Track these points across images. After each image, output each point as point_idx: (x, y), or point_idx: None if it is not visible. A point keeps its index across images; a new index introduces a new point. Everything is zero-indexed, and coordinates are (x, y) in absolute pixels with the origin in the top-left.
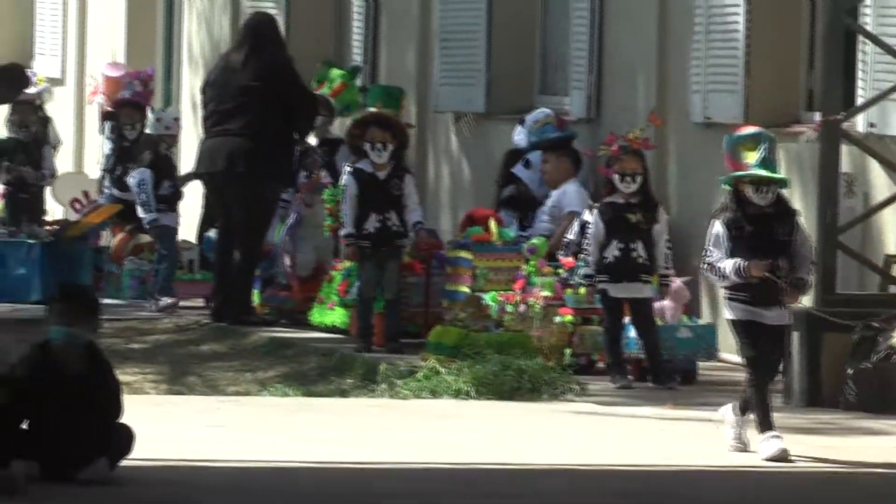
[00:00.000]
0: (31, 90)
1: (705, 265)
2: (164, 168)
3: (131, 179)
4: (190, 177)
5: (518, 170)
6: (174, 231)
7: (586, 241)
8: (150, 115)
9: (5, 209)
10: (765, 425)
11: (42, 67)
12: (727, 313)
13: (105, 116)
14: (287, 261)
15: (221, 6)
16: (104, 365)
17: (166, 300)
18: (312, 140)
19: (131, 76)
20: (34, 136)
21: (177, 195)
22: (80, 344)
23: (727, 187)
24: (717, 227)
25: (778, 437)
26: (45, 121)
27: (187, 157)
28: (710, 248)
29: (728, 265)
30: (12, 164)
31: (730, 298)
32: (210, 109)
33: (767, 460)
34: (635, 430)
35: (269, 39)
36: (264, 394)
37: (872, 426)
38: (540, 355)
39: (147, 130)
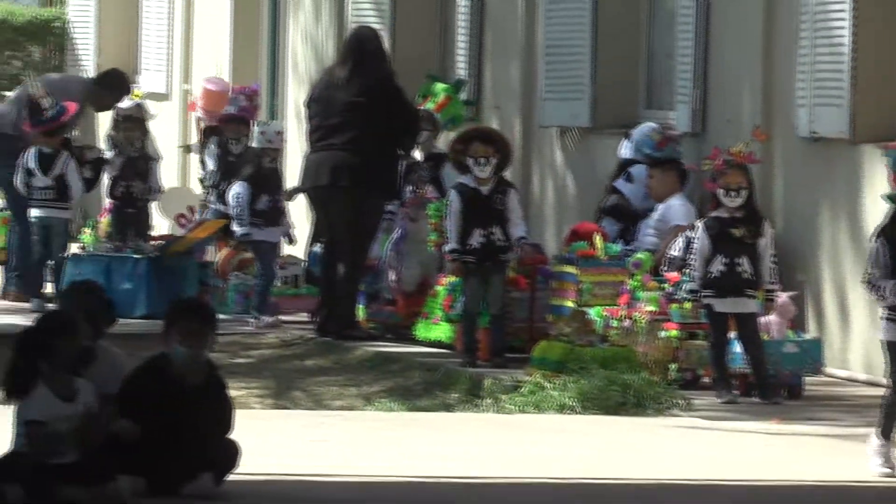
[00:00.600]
0: (127, 104)
1: (865, 283)
2: (263, 182)
3: (229, 193)
4: (296, 191)
5: (619, 183)
6: (271, 246)
7: (691, 255)
8: (254, 129)
9: (112, 224)
10: None
11: (147, 83)
12: (882, 333)
13: (206, 131)
14: (392, 276)
15: (326, 21)
16: (219, 381)
17: (266, 319)
18: (418, 155)
19: (237, 91)
20: (141, 152)
21: (275, 210)
22: (201, 360)
23: (891, 204)
24: (878, 245)
25: None
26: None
27: (292, 171)
28: (871, 265)
29: (889, 285)
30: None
31: (888, 318)
32: (315, 124)
33: None
34: (741, 445)
35: (373, 54)
36: (369, 408)
37: None
38: (645, 370)
39: (252, 144)
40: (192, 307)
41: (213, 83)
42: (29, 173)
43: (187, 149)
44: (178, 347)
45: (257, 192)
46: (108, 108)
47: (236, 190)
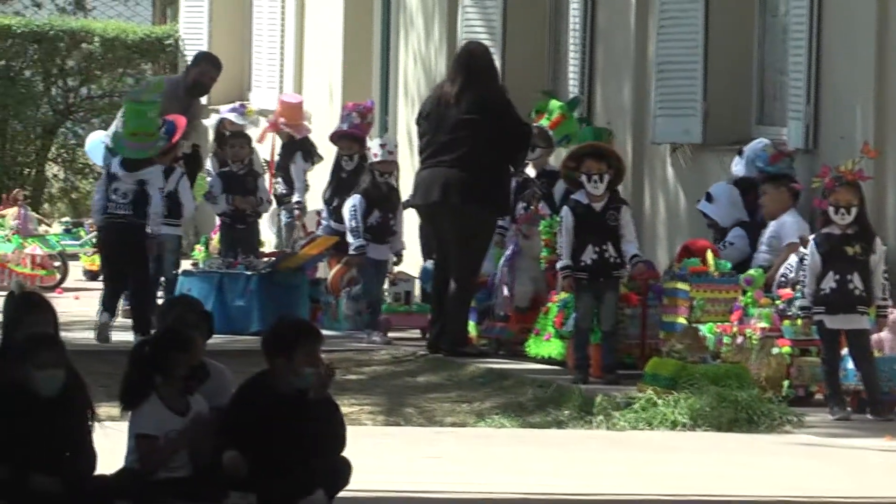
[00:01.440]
0: (240, 121)
1: None
2: (376, 198)
3: (344, 208)
4: (405, 205)
5: (702, 205)
6: (373, 263)
7: (802, 272)
8: (373, 142)
9: (221, 241)
10: None
11: (259, 100)
12: None
13: (286, 147)
14: (504, 292)
15: (437, 39)
16: (330, 398)
17: (377, 336)
18: (531, 171)
19: (350, 108)
20: (248, 168)
21: (385, 227)
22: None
23: None
24: None
25: None
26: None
27: (403, 188)
28: None
29: None
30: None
31: None
32: (425, 141)
33: None
34: (854, 461)
35: (483, 70)
36: (481, 425)
37: None
38: (757, 387)
39: (375, 157)
40: (309, 328)
41: (291, 97)
42: None
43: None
44: (306, 370)
45: (370, 208)
46: (205, 91)
47: (351, 203)
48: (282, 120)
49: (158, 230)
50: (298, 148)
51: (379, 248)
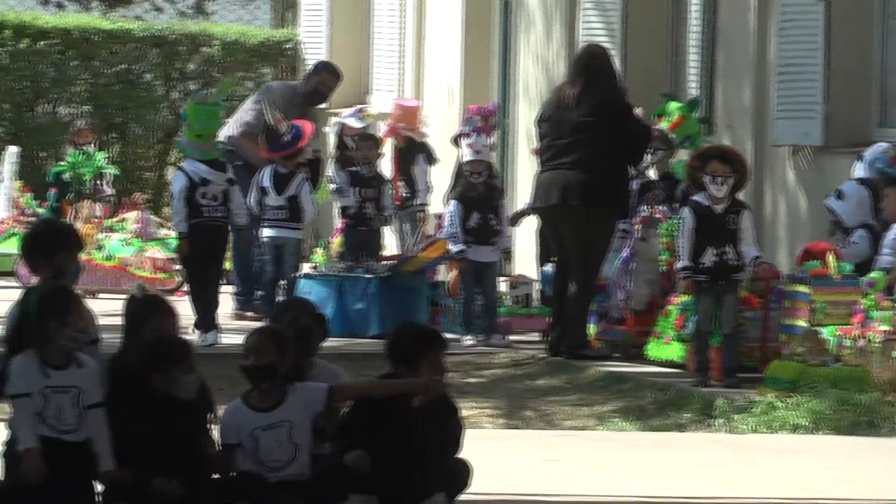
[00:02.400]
0: (359, 124)
1: None
2: (474, 199)
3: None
4: (523, 213)
5: (830, 200)
6: (482, 266)
7: None
8: (463, 142)
9: (344, 244)
10: None
11: (378, 103)
12: None
13: (404, 151)
14: (621, 295)
15: (557, 41)
16: (450, 403)
17: (469, 339)
18: (652, 174)
19: (473, 111)
20: (374, 172)
21: (486, 228)
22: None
23: None
24: None
25: None
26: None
27: (522, 191)
28: None
29: None
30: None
31: None
32: (545, 144)
33: None
34: None
35: (603, 72)
36: (601, 428)
37: None
38: (879, 390)
39: (466, 158)
40: (434, 336)
41: (408, 101)
42: (263, 192)
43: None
44: (433, 378)
45: (468, 210)
46: (323, 100)
47: (449, 208)
48: (400, 124)
49: (243, 223)
50: (419, 151)
51: (482, 250)
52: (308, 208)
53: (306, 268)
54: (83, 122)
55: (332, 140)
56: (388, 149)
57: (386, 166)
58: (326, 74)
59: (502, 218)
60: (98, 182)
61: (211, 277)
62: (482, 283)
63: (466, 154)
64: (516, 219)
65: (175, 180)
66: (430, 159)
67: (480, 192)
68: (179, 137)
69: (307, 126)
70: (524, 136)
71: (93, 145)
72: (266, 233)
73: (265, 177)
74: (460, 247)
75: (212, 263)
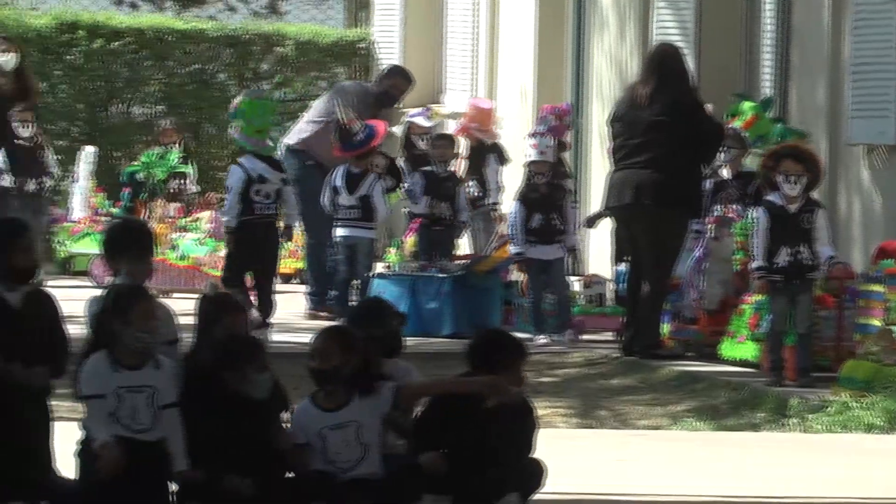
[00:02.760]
0: (427, 123)
1: None
2: (535, 200)
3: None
4: (598, 216)
5: None
6: (545, 265)
7: None
8: (528, 141)
9: (417, 243)
10: None
11: (451, 102)
12: None
13: (476, 150)
14: (694, 294)
15: (631, 41)
16: (526, 403)
17: (542, 338)
18: (726, 173)
19: (547, 111)
20: (449, 172)
21: (549, 228)
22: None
23: None
24: None
25: None
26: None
27: (595, 191)
28: None
29: None
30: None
31: None
32: (618, 144)
33: None
34: None
35: (675, 72)
36: (675, 428)
37: None
38: None
39: (531, 158)
40: (515, 345)
41: (483, 102)
42: (335, 191)
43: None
44: (500, 378)
45: (530, 211)
46: (393, 104)
47: (510, 210)
48: (473, 124)
49: (293, 222)
50: (491, 150)
51: (546, 249)
52: (380, 208)
53: (380, 267)
54: (168, 121)
55: (400, 139)
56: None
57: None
58: (399, 78)
59: (567, 217)
60: (181, 182)
61: (264, 274)
62: (550, 280)
63: (530, 154)
64: (592, 221)
65: (232, 175)
66: (502, 159)
67: (542, 192)
68: (235, 133)
69: (380, 125)
70: (598, 135)
71: (177, 145)
72: (339, 232)
73: (338, 176)
74: (518, 249)
75: (261, 260)
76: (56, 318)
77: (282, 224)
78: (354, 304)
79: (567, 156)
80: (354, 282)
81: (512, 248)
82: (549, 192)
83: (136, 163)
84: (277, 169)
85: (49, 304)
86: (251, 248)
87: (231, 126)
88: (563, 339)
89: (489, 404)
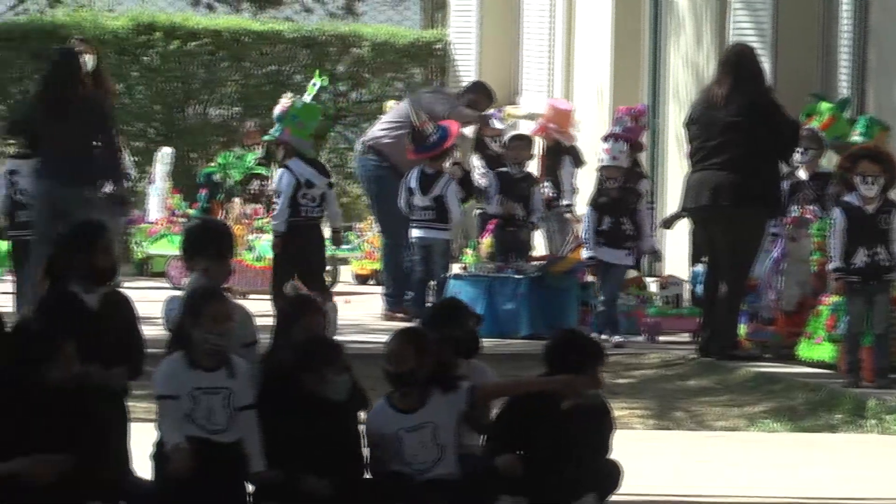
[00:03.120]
0: (500, 125)
1: None
2: (605, 203)
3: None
4: (675, 218)
5: None
6: (610, 267)
7: None
8: (602, 146)
9: (493, 244)
10: None
11: (527, 104)
12: None
13: (552, 151)
14: (772, 295)
15: (707, 43)
16: (603, 404)
17: (617, 338)
18: (803, 174)
19: (622, 112)
20: (524, 173)
21: (618, 231)
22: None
23: None
24: None
25: None
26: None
27: (672, 191)
28: None
29: None
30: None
31: None
32: (695, 146)
33: None
34: None
35: (750, 72)
36: (752, 429)
37: None
38: None
39: (604, 164)
40: (596, 349)
41: (563, 103)
42: (410, 192)
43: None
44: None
45: (600, 214)
46: (471, 122)
47: (584, 212)
48: (552, 125)
49: (339, 226)
50: (567, 152)
51: (613, 252)
52: (454, 209)
53: (456, 268)
54: (252, 123)
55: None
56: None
57: (532, 166)
58: (481, 95)
59: (639, 222)
60: (263, 183)
61: (311, 276)
62: (605, 281)
63: (603, 159)
64: (669, 222)
65: (282, 178)
66: (577, 161)
67: (613, 196)
68: (285, 136)
69: (453, 126)
70: (674, 137)
71: (259, 147)
72: (414, 233)
73: (412, 178)
74: (588, 253)
75: (307, 262)
76: (132, 320)
77: (328, 228)
78: (431, 305)
79: (643, 157)
80: (431, 283)
81: (583, 253)
82: (621, 196)
83: (212, 164)
84: (323, 173)
85: (126, 306)
86: (297, 250)
87: (277, 129)
88: (610, 339)
89: (565, 406)
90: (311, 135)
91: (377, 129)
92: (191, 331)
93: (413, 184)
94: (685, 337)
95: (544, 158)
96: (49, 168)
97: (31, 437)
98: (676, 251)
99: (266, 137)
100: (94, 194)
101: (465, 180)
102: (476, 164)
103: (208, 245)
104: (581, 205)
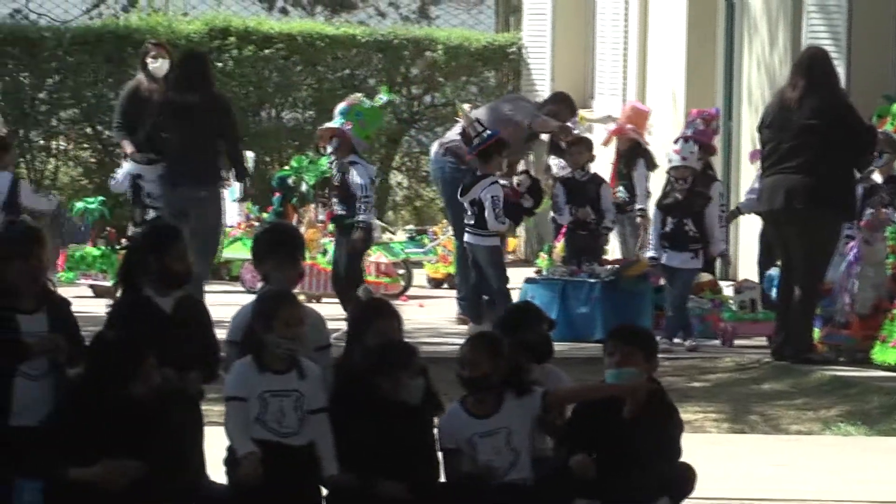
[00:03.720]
0: (574, 130)
1: None
2: (670, 206)
3: None
4: (736, 213)
5: None
6: (675, 272)
7: None
8: (672, 147)
9: (566, 248)
10: None
11: (601, 107)
12: None
13: (631, 153)
14: (846, 298)
15: (781, 47)
16: (669, 404)
17: (690, 342)
18: (878, 178)
19: (694, 115)
20: (589, 175)
21: (680, 234)
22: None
23: None
24: None
25: None
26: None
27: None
28: None
29: None
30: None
31: None
32: (769, 149)
33: None
34: None
35: (824, 75)
36: (826, 433)
37: None
38: None
39: (674, 164)
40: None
41: (642, 105)
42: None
43: None
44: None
45: (665, 215)
46: (553, 132)
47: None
48: (630, 126)
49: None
50: (641, 155)
51: (676, 256)
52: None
53: (530, 272)
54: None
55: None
56: (611, 151)
57: (606, 170)
58: (561, 105)
59: (707, 225)
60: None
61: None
62: (672, 285)
63: (672, 160)
64: (729, 219)
65: (362, 173)
66: (650, 164)
67: (679, 198)
68: (345, 130)
69: (504, 132)
70: (748, 140)
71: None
72: (466, 238)
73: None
74: (651, 254)
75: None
76: (206, 323)
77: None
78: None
79: (715, 160)
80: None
81: (647, 254)
82: (687, 198)
83: (286, 168)
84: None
85: (200, 309)
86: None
87: (338, 121)
88: (688, 345)
89: (627, 413)
90: (368, 137)
91: (454, 132)
92: (263, 335)
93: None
94: (761, 341)
95: (617, 163)
96: (175, 170)
97: (108, 442)
98: (751, 255)
99: (327, 125)
100: (218, 194)
101: (534, 188)
102: (553, 162)
103: (277, 249)
104: (651, 206)
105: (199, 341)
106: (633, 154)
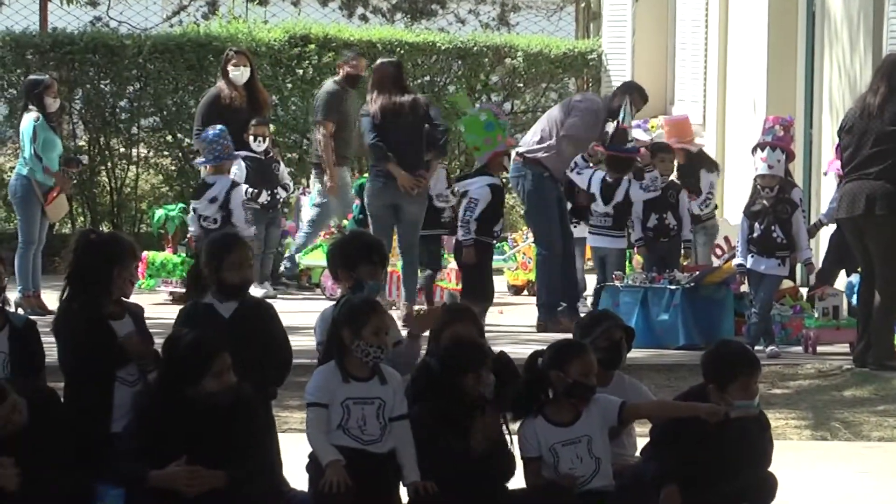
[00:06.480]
0: (645, 136)
1: None
2: (754, 212)
3: None
4: (820, 224)
5: None
6: (763, 277)
7: None
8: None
9: (645, 255)
10: None
11: (681, 114)
12: None
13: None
14: None
15: (863, 52)
16: (763, 418)
17: (772, 349)
18: None
19: (772, 121)
20: (670, 183)
21: (766, 240)
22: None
23: None
24: None
25: None
26: None
27: (826, 202)
28: None
29: None
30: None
31: None
32: (848, 155)
33: None
34: None
35: None
36: None
37: None
38: None
39: (760, 172)
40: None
41: (675, 116)
42: (591, 198)
43: None
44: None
45: (752, 221)
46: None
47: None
48: (673, 139)
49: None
50: (699, 162)
51: (762, 261)
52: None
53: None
54: None
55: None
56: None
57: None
58: (635, 95)
59: (794, 232)
60: None
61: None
62: (758, 291)
63: (759, 168)
64: (812, 233)
65: (482, 194)
66: (712, 167)
67: (766, 204)
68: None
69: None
70: (828, 147)
71: None
72: (590, 241)
73: (594, 183)
74: (738, 260)
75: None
76: (272, 329)
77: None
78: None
79: (796, 167)
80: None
81: (734, 260)
82: (774, 204)
83: (365, 175)
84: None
85: (263, 315)
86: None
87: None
88: (770, 351)
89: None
90: (476, 148)
91: (533, 138)
92: (349, 343)
93: (595, 189)
94: (844, 348)
95: (680, 177)
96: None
97: (187, 445)
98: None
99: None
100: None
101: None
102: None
103: (371, 255)
104: (729, 213)
105: (263, 347)
106: (692, 164)
